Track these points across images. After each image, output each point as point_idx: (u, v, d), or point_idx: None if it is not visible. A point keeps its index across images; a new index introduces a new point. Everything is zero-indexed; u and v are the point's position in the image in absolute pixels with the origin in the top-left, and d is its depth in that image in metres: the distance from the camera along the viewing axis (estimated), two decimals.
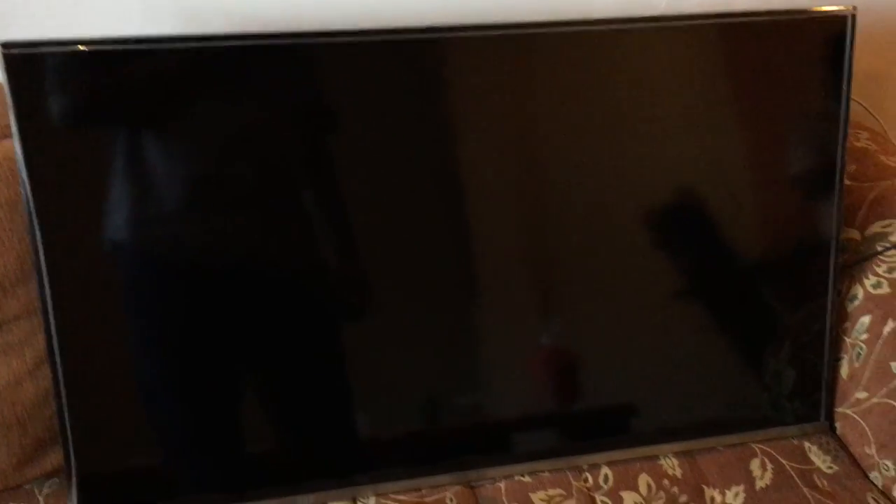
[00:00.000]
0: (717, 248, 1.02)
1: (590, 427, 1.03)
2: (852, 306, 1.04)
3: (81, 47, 0.81)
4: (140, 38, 0.83)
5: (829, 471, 1.02)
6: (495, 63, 0.93)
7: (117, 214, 0.86)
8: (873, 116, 1.22)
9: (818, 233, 1.03)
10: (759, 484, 1.00)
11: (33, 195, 0.83)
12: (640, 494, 0.98)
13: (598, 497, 0.97)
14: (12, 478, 0.91)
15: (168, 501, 0.93)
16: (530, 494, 0.97)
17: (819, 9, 0.98)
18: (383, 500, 0.95)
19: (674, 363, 1.03)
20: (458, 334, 0.99)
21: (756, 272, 1.04)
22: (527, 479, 0.98)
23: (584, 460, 1.00)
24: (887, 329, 0.99)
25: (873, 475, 1.00)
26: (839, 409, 1.05)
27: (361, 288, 0.95)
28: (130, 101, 0.86)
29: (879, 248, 1.04)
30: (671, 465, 1.01)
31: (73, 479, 0.89)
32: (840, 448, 1.04)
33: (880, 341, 1.00)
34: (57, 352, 0.86)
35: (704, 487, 1.00)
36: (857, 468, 1.02)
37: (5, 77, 0.80)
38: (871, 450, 0.99)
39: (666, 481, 0.99)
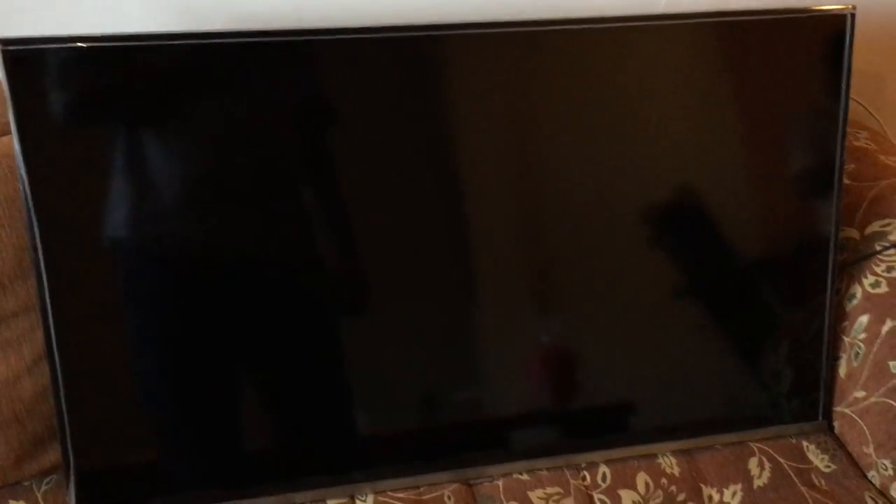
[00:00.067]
0: (716, 246, 1.02)
1: (588, 425, 1.03)
2: (851, 305, 1.04)
3: (81, 44, 0.81)
4: (140, 35, 0.83)
5: (826, 470, 1.02)
6: (495, 61, 0.93)
7: (116, 211, 0.86)
8: (872, 116, 1.22)
9: (817, 232, 1.03)
10: (757, 483, 1.00)
11: (32, 192, 0.83)
12: (638, 493, 0.98)
13: (596, 495, 0.98)
14: (11, 474, 0.91)
15: (166, 498, 0.93)
16: (528, 492, 0.97)
17: (818, 7, 0.98)
18: (381, 498, 0.95)
19: (672, 362, 1.03)
20: (456, 332, 0.99)
21: (754, 271, 1.04)
22: (525, 477, 0.98)
23: (583, 458, 1.00)
24: (885, 328, 0.99)
25: (871, 474, 1.00)
26: (837, 409, 1.05)
27: (360, 285, 0.95)
28: (130, 97, 0.86)
29: (878, 248, 1.04)
30: (669, 463, 1.01)
31: (72, 476, 0.89)
32: (838, 447, 1.04)
33: (878, 340, 1.00)
34: (55, 348, 0.86)
35: (702, 486, 1.00)
36: (855, 467, 1.02)
37: (4, 74, 0.80)
38: (869, 449, 0.99)
39: (664, 480, 0.99)
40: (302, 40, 0.87)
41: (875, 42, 1.25)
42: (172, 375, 0.93)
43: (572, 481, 0.98)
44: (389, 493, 0.96)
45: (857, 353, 1.02)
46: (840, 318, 1.05)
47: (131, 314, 0.90)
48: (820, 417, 1.06)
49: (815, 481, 1.01)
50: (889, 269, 1.02)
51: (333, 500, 0.95)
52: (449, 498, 0.96)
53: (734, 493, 0.99)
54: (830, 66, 0.99)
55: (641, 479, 0.99)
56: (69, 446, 0.88)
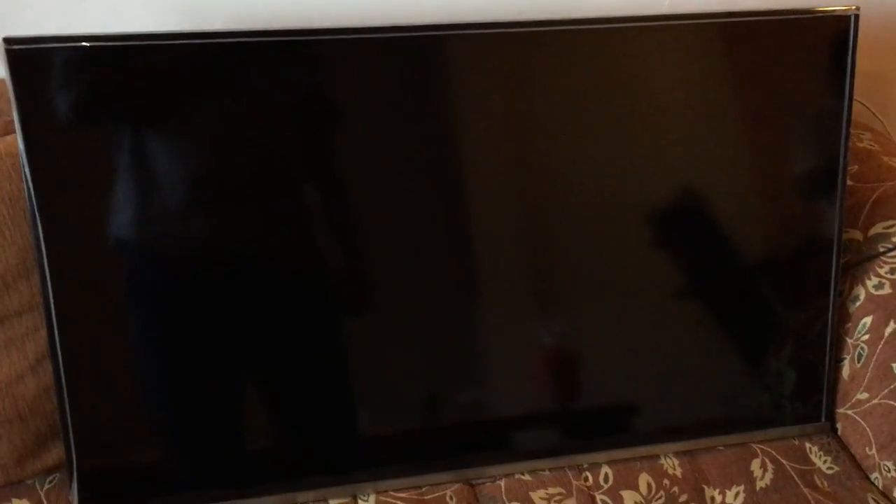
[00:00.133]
0: (719, 247, 1.02)
1: (590, 426, 1.03)
2: (854, 307, 1.04)
3: (85, 43, 0.82)
4: (144, 35, 0.84)
5: (829, 471, 1.02)
6: (497, 62, 0.93)
7: (119, 210, 0.86)
8: (876, 117, 1.22)
9: (820, 233, 1.02)
10: (760, 484, 1.00)
11: (35, 190, 0.83)
12: (641, 494, 0.98)
13: (598, 496, 0.98)
14: (13, 473, 0.91)
15: (169, 497, 0.93)
16: (530, 493, 0.97)
17: (822, 9, 0.98)
18: (383, 498, 0.95)
19: (675, 363, 1.03)
20: (458, 332, 0.99)
21: (758, 272, 1.04)
22: (527, 477, 0.98)
23: (585, 459, 1.00)
24: (889, 330, 0.99)
25: (874, 476, 1.00)
26: (840, 410, 1.05)
27: (362, 285, 0.95)
28: (133, 97, 0.86)
29: (881, 249, 1.04)
30: (671, 464, 1.01)
31: (74, 475, 0.89)
32: (841, 449, 1.04)
33: (882, 342, 1.00)
34: (58, 347, 0.86)
35: (705, 487, 1.00)
36: (858, 469, 1.02)
37: (8, 73, 0.80)
38: (872, 451, 0.99)
39: (666, 481, 0.99)
40: (303, 40, 0.87)
41: (879, 43, 1.25)
42: (175, 374, 0.93)
43: (574, 482, 0.98)
44: (391, 493, 0.96)
45: (861, 355, 1.02)
46: (843, 319, 1.05)
47: (134, 313, 0.91)
48: (823, 419, 1.06)
49: (818, 483, 1.00)
50: (892, 271, 1.02)
51: (335, 500, 0.95)
52: (451, 498, 0.96)
53: (736, 495, 0.99)
54: (834, 68, 0.99)
55: (644, 479, 0.99)
56: (72, 445, 0.89)
